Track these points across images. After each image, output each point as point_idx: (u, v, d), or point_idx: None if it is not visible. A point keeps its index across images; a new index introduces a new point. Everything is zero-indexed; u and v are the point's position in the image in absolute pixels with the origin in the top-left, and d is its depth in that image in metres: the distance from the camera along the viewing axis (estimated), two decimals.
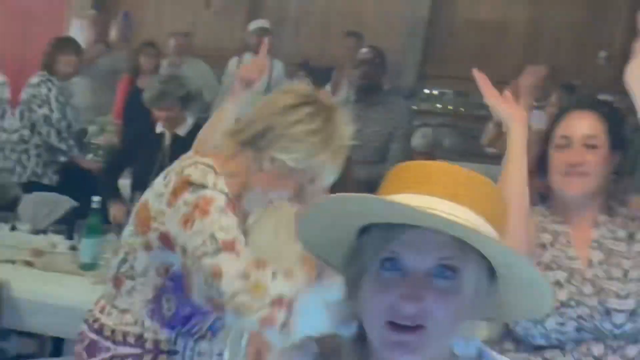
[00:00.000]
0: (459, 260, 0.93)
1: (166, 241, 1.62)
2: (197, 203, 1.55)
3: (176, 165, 1.68)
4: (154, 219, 1.63)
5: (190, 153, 1.76)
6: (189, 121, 3.64)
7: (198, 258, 1.52)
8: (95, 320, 1.78)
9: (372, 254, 0.96)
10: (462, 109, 6.53)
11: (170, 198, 1.60)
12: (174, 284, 1.69)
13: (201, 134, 1.99)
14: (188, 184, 1.58)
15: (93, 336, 1.77)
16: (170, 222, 1.59)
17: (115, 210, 3.58)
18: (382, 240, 0.95)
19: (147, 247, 1.67)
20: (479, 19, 6.28)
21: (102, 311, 1.78)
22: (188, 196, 1.57)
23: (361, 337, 0.99)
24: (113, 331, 1.74)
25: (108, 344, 1.74)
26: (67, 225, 3.55)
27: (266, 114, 1.63)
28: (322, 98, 1.64)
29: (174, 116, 3.58)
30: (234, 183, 1.63)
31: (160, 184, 1.66)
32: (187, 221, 1.55)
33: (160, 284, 1.69)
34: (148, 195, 1.69)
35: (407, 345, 0.92)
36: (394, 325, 0.92)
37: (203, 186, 1.57)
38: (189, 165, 1.63)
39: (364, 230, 0.98)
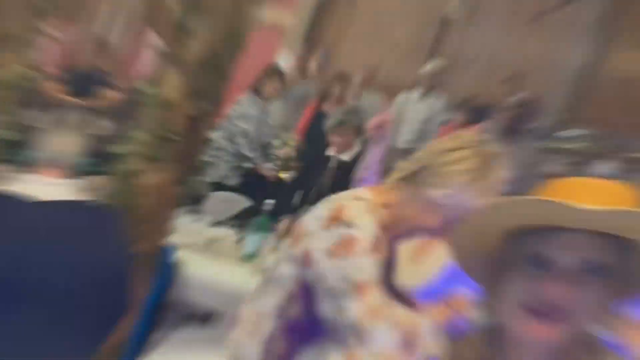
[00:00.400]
0: (608, 257, 0.99)
1: (306, 259, 1.71)
2: (344, 240, 1.64)
3: (339, 194, 1.79)
4: (304, 236, 1.73)
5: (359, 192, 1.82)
6: (355, 148, 4.03)
7: (330, 290, 1.63)
8: None
9: (523, 254, 1.04)
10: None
11: (324, 223, 1.69)
12: (304, 293, 1.77)
13: None
14: (341, 218, 1.67)
15: None
16: (317, 244, 1.69)
17: (283, 225, 3.85)
18: (537, 242, 1.03)
19: (291, 258, 1.78)
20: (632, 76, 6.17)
21: None
22: (338, 230, 1.66)
23: (494, 331, 1.08)
24: None
25: None
26: (240, 220, 3.96)
27: (428, 155, 1.72)
28: (484, 145, 1.69)
29: (346, 143, 3.98)
30: (387, 213, 1.73)
31: (322, 207, 1.75)
32: (331, 252, 1.64)
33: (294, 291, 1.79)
34: (308, 215, 1.79)
35: (547, 330, 0.99)
36: (536, 312, 1.00)
37: (353, 225, 1.65)
38: (349, 197, 1.74)
39: (509, 236, 1.07)
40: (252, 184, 5.11)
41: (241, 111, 5.14)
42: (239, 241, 3.65)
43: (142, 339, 2.96)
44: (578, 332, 1.01)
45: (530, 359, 1.05)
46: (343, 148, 4.00)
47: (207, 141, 2.85)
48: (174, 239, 3.10)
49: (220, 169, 5.24)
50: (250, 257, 3.42)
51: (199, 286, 3.24)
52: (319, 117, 5.19)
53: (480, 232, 1.08)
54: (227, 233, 3.84)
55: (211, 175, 5.27)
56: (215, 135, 5.35)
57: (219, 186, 5.09)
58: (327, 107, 5.50)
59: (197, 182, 5.13)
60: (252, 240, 3.47)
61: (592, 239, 0.99)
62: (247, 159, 5.20)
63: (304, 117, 5.86)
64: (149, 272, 2.65)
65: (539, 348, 1.04)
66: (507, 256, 1.07)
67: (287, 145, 5.72)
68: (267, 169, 5.27)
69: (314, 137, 4.77)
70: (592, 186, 1.03)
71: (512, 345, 1.06)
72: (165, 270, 2.96)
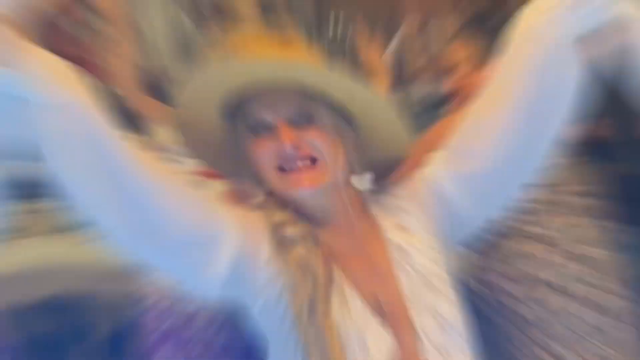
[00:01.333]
0: (311, 111, 1.15)
1: None
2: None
3: None
4: None
5: None
6: None
7: None
8: None
9: (245, 130, 1.17)
10: None
11: None
12: None
13: None
14: None
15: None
16: None
17: None
18: (245, 113, 1.17)
19: None
20: None
21: None
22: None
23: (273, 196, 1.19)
24: None
25: None
26: None
27: None
28: None
29: None
30: None
31: None
32: None
33: None
34: None
35: (307, 179, 1.13)
36: (284, 168, 1.14)
37: None
38: None
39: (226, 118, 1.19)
40: None
41: None
42: None
43: None
44: (336, 173, 1.17)
45: (317, 210, 1.19)
46: None
47: None
48: None
49: None
50: None
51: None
52: None
53: (198, 122, 1.18)
54: None
55: None
56: None
57: None
58: None
59: None
60: None
61: (294, 94, 1.14)
62: None
63: None
64: None
65: (314, 197, 1.17)
66: (237, 135, 1.19)
67: None
68: None
69: None
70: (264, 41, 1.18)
71: (295, 205, 1.17)
72: None
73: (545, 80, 1.15)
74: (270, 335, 1.13)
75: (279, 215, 1.14)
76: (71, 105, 0.98)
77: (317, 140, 1.14)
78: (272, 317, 1.09)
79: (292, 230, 1.12)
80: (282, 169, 1.15)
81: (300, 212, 1.17)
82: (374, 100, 1.17)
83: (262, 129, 1.15)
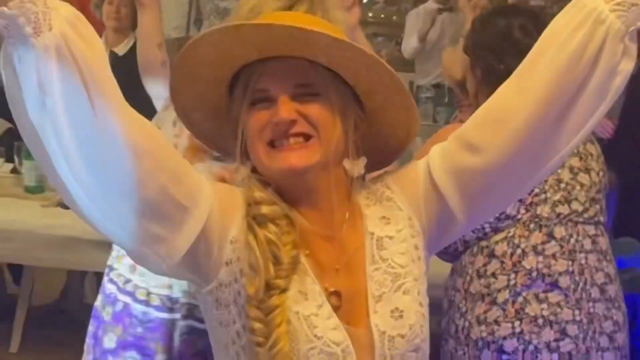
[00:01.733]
0: (318, 86, 1.08)
1: None
2: (222, 175, 1.60)
3: None
4: None
5: None
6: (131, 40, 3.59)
7: None
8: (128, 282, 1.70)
9: (241, 97, 1.10)
10: (395, 18, 6.44)
11: (188, 157, 1.53)
12: None
13: None
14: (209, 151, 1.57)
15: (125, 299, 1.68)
16: None
17: None
18: (247, 81, 1.09)
19: None
20: None
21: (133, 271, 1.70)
22: (211, 164, 1.63)
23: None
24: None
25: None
26: (5, 147, 3.40)
27: None
28: None
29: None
30: None
31: (170, 132, 1.68)
32: None
33: None
34: None
35: (295, 157, 1.06)
36: (274, 143, 1.07)
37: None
38: None
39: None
40: (2, 101, 3.82)
41: None
42: (14, 172, 3.22)
43: None
44: (327, 155, 1.09)
45: (299, 190, 1.11)
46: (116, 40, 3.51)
47: None
48: None
49: None
50: (35, 189, 2.98)
51: None
52: None
53: (194, 84, 1.12)
54: None
55: None
56: None
57: None
58: None
59: None
60: (30, 169, 2.99)
61: (303, 65, 1.07)
62: None
63: None
64: None
65: (302, 178, 1.09)
66: (232, 103, 1.13)
67: None
68: None
69: None
70: (293, 15, 1.13)
71: (282, 187, 1.11)
72: None
73: (591, 68, 1.02)
74: (214, 321, 1.09)
75: (258, 194, 1.08)
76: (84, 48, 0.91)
77: (316, 117, 1.07)
78: (222, 299, 1.05)
79: (266, 210, 1.07)
80: (271, 144, 1.08)
81: (281, 191, 1.11)
82: (391, 80, 1.09)
83: (261, 99, 1.09)
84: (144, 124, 0.99)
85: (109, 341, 1.71)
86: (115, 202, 0.95)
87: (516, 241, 1.79)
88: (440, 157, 1.14)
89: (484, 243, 1.82)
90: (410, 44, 5.32)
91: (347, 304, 1.09)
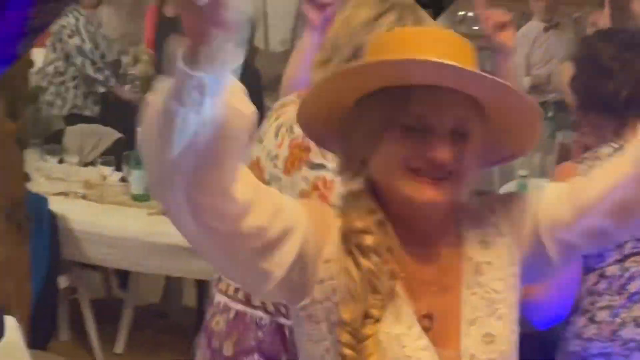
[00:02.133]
0: (469, 123, 1.02)
1: None
2: (316, 184, 1.49)
3: (282, 115, 1.58)
4: (268, 183, 1.52)
5: (291, 96, 1.62)
6: None
7: None
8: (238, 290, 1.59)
9: (388, 116, 1.02)
10: None
11: (287, 166, 1.53)
12: None
13: (288, 70, 1.81)
14: (306, 160, 1.49)
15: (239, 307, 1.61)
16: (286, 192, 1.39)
17: None
18: (398, 102, 1.01)
19: None
20: None
21: None
22: (306, 173, 1.50)
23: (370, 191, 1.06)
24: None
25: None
26: (115, 156, 3.52)
27: (349, 34, 1.43)
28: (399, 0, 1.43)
29: None
30: None
31: (272, 143, 1.57)
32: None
33: None
34: (260, 152, 1.59)
35: (430, 192, 1.00)
36: (419, 171, 1.01)
37: (322, 166, 1.47)
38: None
39: (361, 100, 1.05)
40: (113, 111, 4.65)
41: (62, 23, 4.51)
42: (122, 180, 3.26)
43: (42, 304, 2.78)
44: (459, 195, 1.06)
45: (417, 221, 1.07)
46: None
47: (28, 62, 2.76)
48: (39, 186, 2.93)
49: (70, 97, 4.65)
50: (142, 197, 3.01)
51: (91, 241, 2.94)
52: (165, 22, 4.78)
53: (330, 100, 1.07)
54: (104, 173, 3.36)
55: (60, 107, 4.63)
56: (46, 58, 4.62)
57: (74, 118, 4.53)
58: (169, 10, 4.89)
59: (38, 113, 4.66)
60: (137, 177, 3.01)
61: (460, 98, 1.02)
62: (97, 82, 4.66)
63: (148, 26, 5.21)
64: (17, 229, 2.41)
65: (425, 210, 1.05)
66: (368, 118, 1.05)
67: (140, 62, 5.02)
68: (126, 91, 4.78)
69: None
70: (437, 37, 1.07)
71: (398, 208, 1.06)
72: (40, 224, 2.72)
73: None
74: (304, 336, 1.08)
75: (360, 223, 1.03)
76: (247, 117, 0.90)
77: (466, 163, 1.02)
78: (314, 315, 1.04)
79: (371, 241, 1.02)
80: (413, 171, 1.01)
81: (391, 215, 1.05)
82: (531, 113, 1.06)
83: (413, 125, 1.01)
84: (246, 176, 0.95)
85: (227, 349, 1.63)
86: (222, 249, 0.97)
87: (626, 264, 1.72)
88: (551, 207, 1.11)
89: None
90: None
91: (437, 326, 1.06)
